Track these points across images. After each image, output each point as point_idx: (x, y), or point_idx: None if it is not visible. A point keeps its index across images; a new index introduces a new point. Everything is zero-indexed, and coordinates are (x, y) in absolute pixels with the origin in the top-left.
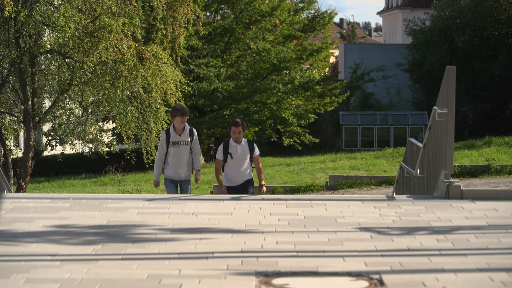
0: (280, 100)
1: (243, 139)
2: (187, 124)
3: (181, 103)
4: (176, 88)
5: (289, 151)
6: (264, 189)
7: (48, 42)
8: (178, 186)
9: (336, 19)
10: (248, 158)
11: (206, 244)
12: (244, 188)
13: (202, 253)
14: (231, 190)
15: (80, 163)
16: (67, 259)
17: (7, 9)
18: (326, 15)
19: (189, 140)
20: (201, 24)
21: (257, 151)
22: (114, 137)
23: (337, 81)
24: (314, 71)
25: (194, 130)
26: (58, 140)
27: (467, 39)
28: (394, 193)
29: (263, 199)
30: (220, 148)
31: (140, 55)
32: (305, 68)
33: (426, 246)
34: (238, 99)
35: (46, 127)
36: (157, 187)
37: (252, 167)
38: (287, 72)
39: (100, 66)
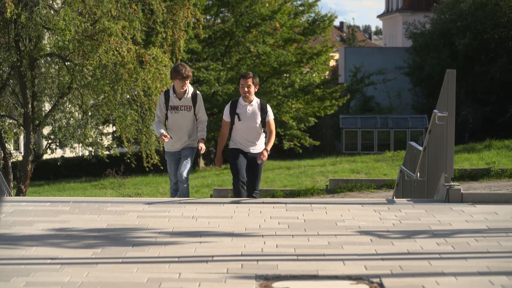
0: (280, 104)
1: (255, 98)
2: (190, 87)
3: None
4: None
5: (289, 154)
6: (265, 155)
7: (48, 45)
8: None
9: (336, 23)
10: (259, 123)
11: (206, 247)
12: (254, 163)
13: (202, 256)
14: (240, 152)
15: (80, 167)
16: (67, 262)
17: (8, 10)
18: (326, 18)
19: (192, 105)
20: (201, 27)
21: (271, 115)
22: (114, 140)
23: (337, 85)
24: (314, 75)
25: (199, 93)
26: (58, 144)
27: (467, 42)
28: (394, 197)
29: (263, 203)
30: (227, 107)
31: (140, 58)
32: (305, 72)
33: (426, 249)
34: None
35: (46, 130)
36: (166, 140)
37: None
38: (287, 75)
39: (100, 70)
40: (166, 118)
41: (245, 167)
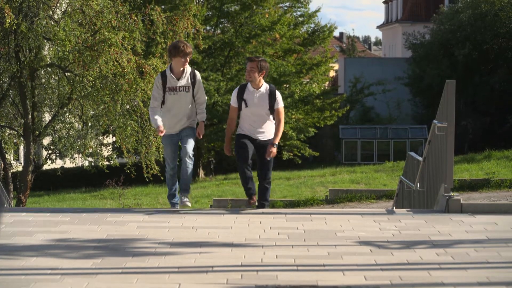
0: None
1: (265, 84)
2: (188, 66)
3: None
4: None
5: (288, 165)
6: (273, 150)
7: (48, 56)
8: (178, 146)
9: (336, 33)
10: (267, 110)
11: (206, 258)
12: (263, 153)
13: (202, 267)
14: (248, 137)
15: (80, 177)
16: (67, 273)
17: (7, 20)
18: (326, 29)
19: (190, 85)
20: (201, 38)
21: (280, 102)
22: (114, 151)
23: (337, 95)
24: (314, 85)
25: (197, 72)
26: (58, 154)
27: (467, 53)
28: (394, 207)
29: (262, 213)
30: (235, 92)
31: (140, 69)
32: (305, 82)
33: (426, 260)
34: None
35: (46, 141)
36: (161, 135)
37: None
38: (287, 86)
39: (100, 80)
40: (163, 102)
41: (251, 151)
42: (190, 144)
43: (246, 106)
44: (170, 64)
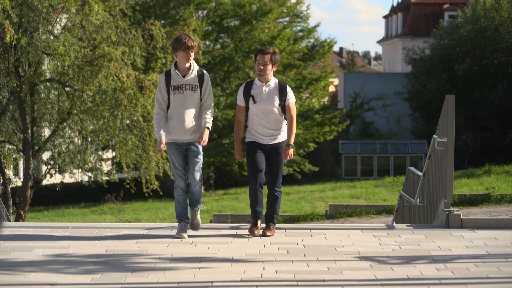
0: None
1: (273, 78)
2: (195, 63)
3: None
4: None
5: (288, 180)
6: (290, 152)
7: (47, 71)
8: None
9: (336, 48)
10: (278, 106)
11: (205, 273)
12: (273, 156)
13: (202, 282)
14: (257, 146)
15: (79, 192)
16: None
17: (8, 35)
18: (325, 44)
19: (197, 84)
20: (200, 53)
21: (291, 97)
22: (114, 166)
23: (336, 110)
24: (314, 100)
25: (206, 73)
26: (57, 169)
27: (467, 67)
28: (394, 222)
29: (262, 228)
30: (241, 89)
31: (140, 84)
32: (304, 97)
33: (426, 275)
34: None
35: (46, 156)
36: (162, 149)
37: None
38: None
39: (100, 95)
40: (168, 106)
41: (264, 164)
42: (198, 171)
43: (254, 102)
44: (175, 62)
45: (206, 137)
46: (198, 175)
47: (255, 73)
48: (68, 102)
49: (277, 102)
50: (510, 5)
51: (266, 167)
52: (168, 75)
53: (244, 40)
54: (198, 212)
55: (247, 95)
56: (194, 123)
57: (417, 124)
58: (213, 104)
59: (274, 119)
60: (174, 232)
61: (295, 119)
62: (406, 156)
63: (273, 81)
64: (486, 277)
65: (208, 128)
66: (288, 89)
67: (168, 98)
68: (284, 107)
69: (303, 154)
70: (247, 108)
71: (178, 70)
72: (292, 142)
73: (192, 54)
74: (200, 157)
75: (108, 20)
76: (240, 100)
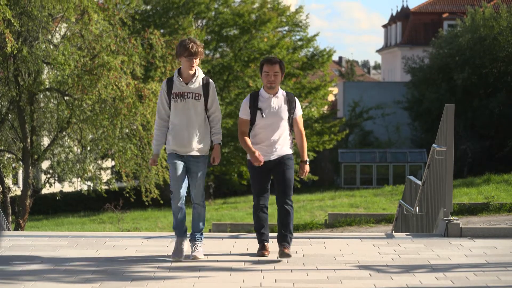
0: None
1: (280, 90)
2: (200, 71)
3: None
4: None
5: None
6: (307, 168)
7: (47, 80)
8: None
9: (335, 57)
10: (286, 119)
11: (204, 282)
12: (280, 168)
13: None
14: (263, 165)
15: (78, 201)
16: None
17: (9, 45)
18: (325, 53)
19: (202, 93)
20: (200, 62)
21: (299, 110)
22: (113, 175)
23: (336, 119)
24: (313, 109)
25: (212, 81)
26: (56, 178)
27: (466, 76)
28: (393, 231)
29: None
30: (246, 101)
31: (139, 93)
32: (304, 106)
33: (425, 284)
34: (237, 136)
35: (45, 165)
36: (154, 165)
37: (293, 139)
38: None
39: (99, 104)
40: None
41: (269, 183)
42: (199, 188)
43: (263, 116)
44: (179, 68)
45: (219, 155)
46: (199, 195)
47: (264, 85)
48: (67, 111)
49: (286, 115)
50: (509, 14)
51: (276, 180)
52: (170, 82)
53: (244, 49)
54: (199, 248)
55: (254, 107)
56: (195, 135)
57: (416, 133)
58: (220, 115)
59: (282, 134)
60: (173, 241)
61: (304, 132)
62: (405, 165)
63: (280, 93)
64: (486, 286)
65: (220, 144)
66: (297, 100)
67: (170, 107)
68: (292, 120)
69: None
70: (252, 122)
71: (181, 76)
72: (306, 157)
73: (196, 61)
74: (201, 175)
75: (107, 29)
76: (245, 113)
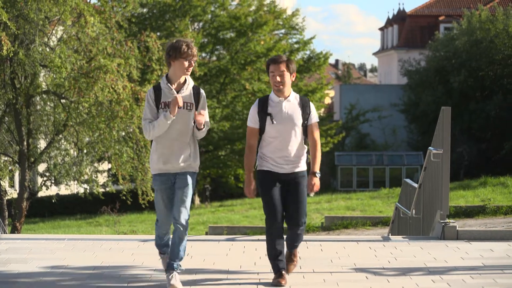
0: None
1: (293, 93)
2: (190, 79)
3: None
4: None
5: None
6: (317, 182)
7: (44, 83)
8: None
9: (332, 60)
10: (300, 126)
11: (201, 285)
12: (293, 188)
13: None
14: (275, 176)
15: (75, 204)
16: None
17: (4, 48)
18: (321, 56)
19: (193, 102)
20: (196, 64)
21: (314, 115)
22: (110, 177)
23: (332, 122)
24: None
25: (202, 90)
26: (53, 181)
27: (462, 79)
28: (390, 234)
29: (258, 240)
30: (254, 107)
31: (136, 96)
32: None
33: (422, 286)
34: (234, 139)
35: (41, 167)
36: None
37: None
38: None
39: (96, 107)
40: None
41: (282, 199)
42: (186, 210)
43: (273, 122)
44: (166, 74)
45: (201, 118)
46: (184, 215)
47: (272, 88)
48: (64, 114)
49: (299, 121)
50: (506, 17)
51: (288, 200)
52: (157, 90)
53: (240, 52)
54: (176, 276)
55: (263, 113)
56: (186, 149)
57: (413, 136)
58: (209, 123)
59: (296, 142)
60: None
61: (319, 143)
62: (402, 168)
63: (293, 96)
64: None
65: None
66: (312, 105)
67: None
68: (306, 127)
69: None
70: (261, 130)
71: (170, 83)
72: (317, 170)
73: (192, 65)
74: (189, 190)
75: (104, 32)
76: (254, 121)
